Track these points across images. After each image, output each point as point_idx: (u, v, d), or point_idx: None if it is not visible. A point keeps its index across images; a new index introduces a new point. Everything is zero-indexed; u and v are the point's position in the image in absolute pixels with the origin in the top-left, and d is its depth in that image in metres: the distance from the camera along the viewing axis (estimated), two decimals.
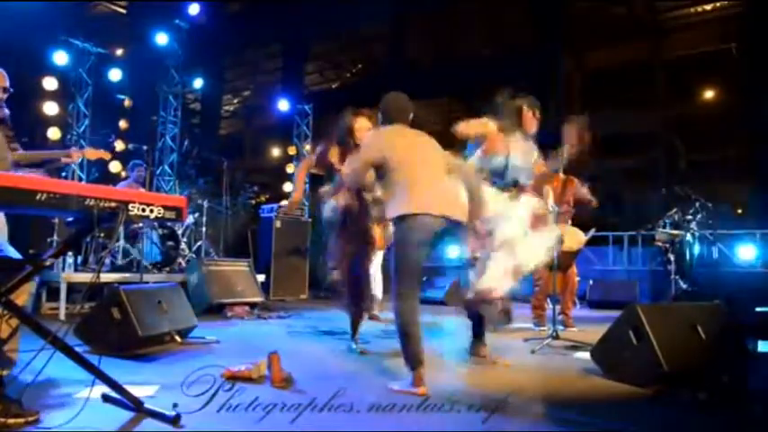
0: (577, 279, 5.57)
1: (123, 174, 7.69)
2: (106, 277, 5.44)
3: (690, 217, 6.54)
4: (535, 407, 2.58)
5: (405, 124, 3.12)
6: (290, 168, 11.22)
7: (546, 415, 2.49)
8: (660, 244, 6.73)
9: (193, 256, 7.07)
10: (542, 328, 5.01)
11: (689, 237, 6.55)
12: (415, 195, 2.84)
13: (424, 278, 8.45)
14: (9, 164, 2.99)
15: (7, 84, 3.06)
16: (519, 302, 5.26)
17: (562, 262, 4.51)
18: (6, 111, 3.09)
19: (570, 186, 5.29)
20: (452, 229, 2.92)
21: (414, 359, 2.73)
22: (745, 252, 7.39)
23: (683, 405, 2.65)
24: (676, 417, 2.53)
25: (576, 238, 4.95)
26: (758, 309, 4.28)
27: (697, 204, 6.57)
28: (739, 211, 11.72)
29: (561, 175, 5.29)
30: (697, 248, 6.66)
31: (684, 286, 6.42)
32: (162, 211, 2.26)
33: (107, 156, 4.30)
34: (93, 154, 4.13)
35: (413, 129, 3.12)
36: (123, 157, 8.13)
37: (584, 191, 5.28)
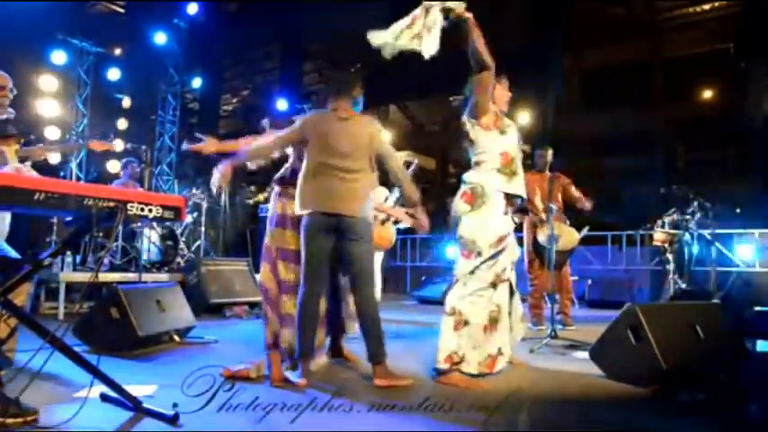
0: (572, 278, 5.57)
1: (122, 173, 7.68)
2: (105, 277, 5.44)
3: (688, 216, 6.53)
4: (534, 407, 2.58)
5: (344, 101, 3.09)
6: None
7: (545, 415, 2.49)
8: (659, 243, 6.72)
9: (192, 255, 7.07)
10: (540, 327, 5.01)
11: (687, 236, 6.54)
12: (309, 191, 2.90)
13: (423, 278, 8.46)
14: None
15: (11, 84, 3.04)
16: None
17: (557, 260, 4.51)
18: (12, 111, 3.08)
19: (558, 183, 5.27)
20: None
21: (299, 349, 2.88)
22: (744, 251, 7.39)
23: (682, 405, 2.65)
24: (675, 416, 2.53)
25: (570, 237, 4.95)
26: (756, 308, 4.29)
27: (695, 204, 6.56)
28: (738, 210, 11.72)
29: (547, 173, 5.29)
30: (696, 248, 6.65)
31: (683, 286, 6.41)
32: (160, 210, 2.26)
33: (114, 148, 4.33)
34: (99, 146, 4.15)
35: (351, 112, 3.07)
36: (122, 157, 8.13)
37: (574, 192, 5.27)
